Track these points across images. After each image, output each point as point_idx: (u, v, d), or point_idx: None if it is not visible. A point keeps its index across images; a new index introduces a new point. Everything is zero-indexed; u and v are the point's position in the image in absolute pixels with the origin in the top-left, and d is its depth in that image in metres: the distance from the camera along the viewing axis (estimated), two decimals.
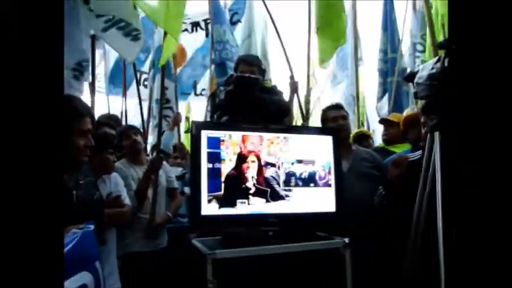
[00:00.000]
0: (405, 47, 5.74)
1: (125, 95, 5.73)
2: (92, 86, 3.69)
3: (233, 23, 5.53)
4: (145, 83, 6.24)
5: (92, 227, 1.47)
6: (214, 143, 1.84)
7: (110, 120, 3.55)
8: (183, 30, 5.51)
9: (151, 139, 4.90)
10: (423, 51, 5.17)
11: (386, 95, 5.59)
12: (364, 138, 3.96)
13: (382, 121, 3.69)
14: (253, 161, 1.89)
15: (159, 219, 2.95)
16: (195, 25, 6.14)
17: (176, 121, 4.15)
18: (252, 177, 1.88)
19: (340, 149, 2.18)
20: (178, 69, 5.67)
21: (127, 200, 2.43)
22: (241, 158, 1.87)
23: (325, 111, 2.79)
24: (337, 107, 2.79)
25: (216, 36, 4.86)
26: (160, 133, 3.37)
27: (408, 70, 5.29)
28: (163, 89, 3.55)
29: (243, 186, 1.86)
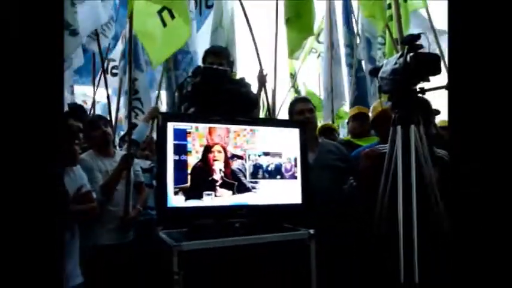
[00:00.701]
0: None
1: (93, 84, 5.62)
2: None
3: (208, 7, 5.43)
4: (114, 71, 6.13)
5: None
6: (181, 134, 1.83)
7: (76, 110, 3.48)
8: None
9: (119, 130, 4.83)
10: (384, 44, 5.28)
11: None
12: (329, 131, 4.02)
13: (359, 115, 3.65)
14: (219, 151, 1.90)
15: (132, 213, 2.92)
16: None
17: (153, 115, 4.05)
18: (220, 169, 1.88)
19: (307, 142, 2.21)
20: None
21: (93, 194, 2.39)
22: (208, 150, 1.87)
23: (292, 104, 2.81)
24: (304, 99, 2.82)
25: None
26: (130, 126, 3.31)
27: (363, 63, 5.41)
28: (130, 80, 3.49)
29: (210, 178, 1.86)
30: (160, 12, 3.82)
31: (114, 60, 6.10)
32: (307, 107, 2.70)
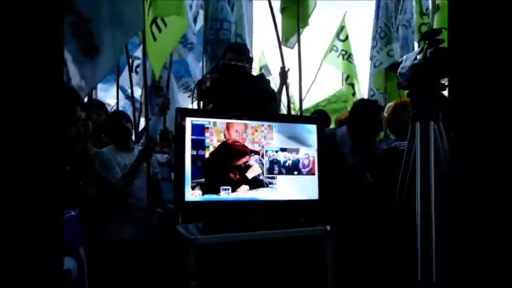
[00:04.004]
0: None
1: (117, 83, 5.61)
2: None
3: None
4: (138, 69, 6.10)
5: (73, 213, 1.49)
6: (199, 130, 1.85)
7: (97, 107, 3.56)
8: None
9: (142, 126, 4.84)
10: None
11: None
12: None
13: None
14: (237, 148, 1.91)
15: (154, 219, 2.98)
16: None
17: (163, 107, 4.09)
18: (238, 165, 1.89)
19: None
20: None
21: None
22: (226, 146, 1.88)
23: (365, 104, 2.80)
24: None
25: (211, 13, 4.77)
26: (148, 121, 3.35)
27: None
28: (145, 77, 3.51)
29: (228, 173, 1.88)
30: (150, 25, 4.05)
31: (138, 58, 6.01)
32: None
